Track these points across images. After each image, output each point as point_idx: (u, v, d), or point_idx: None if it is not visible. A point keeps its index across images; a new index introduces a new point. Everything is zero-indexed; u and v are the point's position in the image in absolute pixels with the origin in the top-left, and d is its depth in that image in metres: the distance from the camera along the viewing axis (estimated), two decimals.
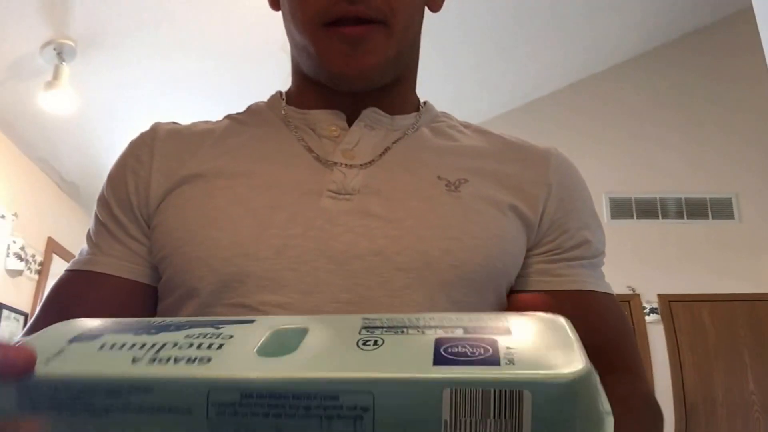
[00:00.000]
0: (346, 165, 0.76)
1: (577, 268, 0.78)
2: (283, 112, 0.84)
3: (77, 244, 3.89)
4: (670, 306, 5.56)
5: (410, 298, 0.68)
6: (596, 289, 0.78)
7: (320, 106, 0.81)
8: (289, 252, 0.70)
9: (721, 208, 5.85)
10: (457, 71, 5.26)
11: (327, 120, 0.80)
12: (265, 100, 0.89)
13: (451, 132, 0.84)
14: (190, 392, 0.39)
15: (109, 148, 4.54)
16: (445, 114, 0.89)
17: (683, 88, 6.23)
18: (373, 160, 0.77)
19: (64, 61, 3.68)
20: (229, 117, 0.87)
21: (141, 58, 3.97)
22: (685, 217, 5.86)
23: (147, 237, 0.78)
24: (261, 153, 0.79)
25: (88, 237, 0.82)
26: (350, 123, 0.80)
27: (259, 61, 4.13)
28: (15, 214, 4.25)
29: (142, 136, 0.83)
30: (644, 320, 5.55)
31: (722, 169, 5.95)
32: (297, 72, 0.84)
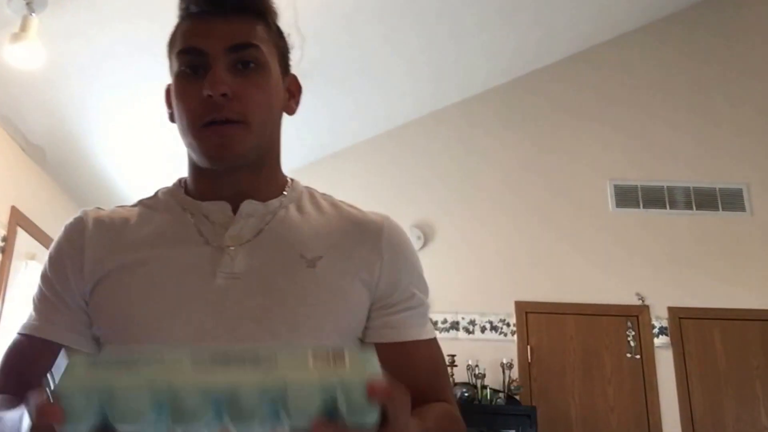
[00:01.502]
0: (233, 249, 1.02)
1: (407, 318, 1.06)
2: (181, 200, 1.10)
3: (44, 215, 3.57)
4: (680, 324, 5.46)
5: None
6: (419, 338, 1.07)
7: (209, 195, 1.07)
8: (194, 325, 0.96)
9: (732, 200, 5.76)
10: (456, 37, 5.11)
11: (218, 210, 1.06)
12: (170, 185, 1.15)
13: (309, 209, 1.10)
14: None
15: (80, 109, 4.36)
16: (308, 189, 1.15)
17: (693, 67, 6.12)
18: (250, 241, 1.04)
19: (33, 11, 3.52)
20: (141, 203, 1.13)
21: (118, 12, 3.80)
22: (694, 208, 5.76)
23: (85, 312, 1.03)
24: (168, 240, 1.05)
25: (35, 304, 1.07)
26: (234, 211, 1.06)
27: None
28: None
29: (74, 225, 1.08)
30: (653, 344, 5.44)
31: (733, 158, 5.88)
32: (191, 164, 1.10)
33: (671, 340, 5.42)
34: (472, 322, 5.47)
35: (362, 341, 1.05)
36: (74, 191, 4.96)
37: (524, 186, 5.85)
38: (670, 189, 5.80)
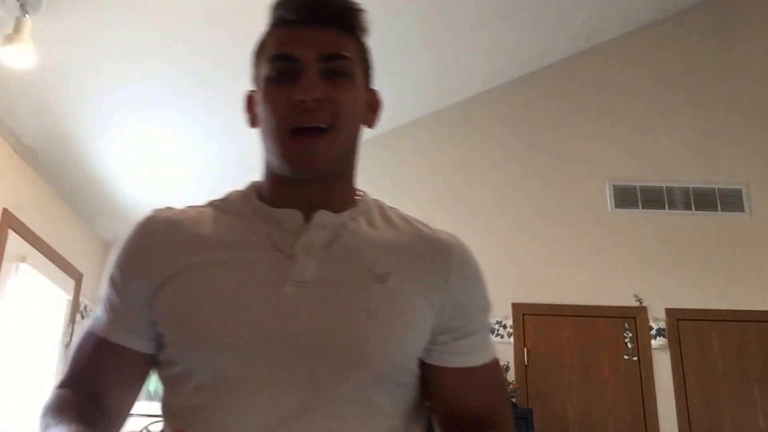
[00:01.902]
0: (303, 257, 1.03)
1: (471, 344, 1.09)
2: (253, 205, 1.11)
3: (35, 217, 3.51)
4: (678, 326, 5.47)
5: (345, 367, 0.98)
6: (484, 362, 1.11)
7: (283, 202, 1.08)
8: (260, 330, 0.97)
9: (731, 200, 5.76)
10: (454, 39, 5.10)
11: (289, 218, 1.07)
12: (242, 188, 1.17)
13: (380, 223, 1.12)
14: None
15: (72, 111, 4.36)
16: (377, 202, 1.17)
17: (691, 67, 6.12)
18: (321, 251, 1.04)
19: (27, 13, 3.50)
20: (211, 204, 1.14)
21: (112, 14, 3.77)
22: (693, 208, 5.77)
23: (150, 312, 1.04)
24: (238, 244, 1.06)
25: (102, 302, 1.08)
26: (306, 219, 1.07)
27: (244, 18, 3.90)
28: None
29: (144, 224, 1.09)
30: (650, 345, 5.44)
31: (732, 158, 5.89)
32: (267, 171, 1.12)
33: (669, 341, 5.42)
34: None
35: (422, 360, 1.07)
36: (67, 193, 4.93)
37: (522, 187, 5.84)
38: (669, 189, 5.80)
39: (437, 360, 1.07)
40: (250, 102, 1.15)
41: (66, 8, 3.61)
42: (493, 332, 5.45)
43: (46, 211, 4.73)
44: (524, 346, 5.43)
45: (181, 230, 1.08)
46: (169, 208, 1.13)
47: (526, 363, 5.37)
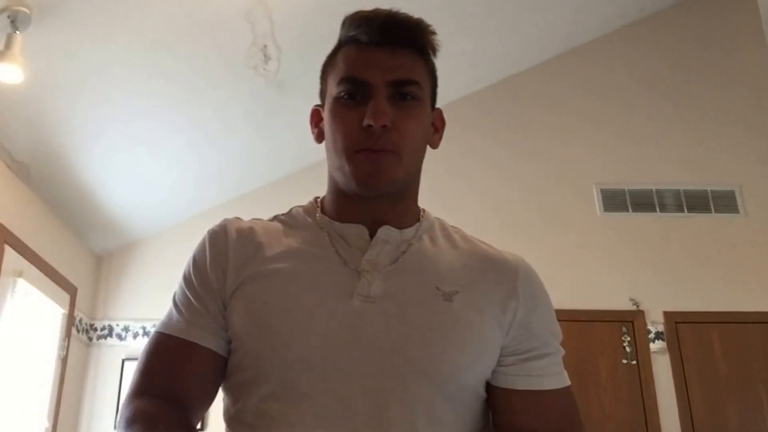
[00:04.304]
0: (369, 272, 1.07)
1: (542, 367, 1.10)
2: (318, 220, 1.16)
3: (30, 232, 3.63)
4: (677, 328, 5.48)
5: (412, 382, 1.01)
6: (554, 387, 1.11)
7: (347, 218, 1.13)
8: (330, 342, 1.01)
9: (725, 201, 5.82)
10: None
11: (355, 234, 1.12)
12: (305, 204, 1.22)
13: (442, 242, 1.16)
14: None
15: (65, 126, 4.46)
16: (439, 220, 1.23)
17: (679, 67, 6.16)
18: (387, 267, 1.09)
19: (17, 29, 3.57)
20: (277, 219, 1.20)
21: (101, 30, 3.87)
22: (685, 210, 5.82)
23: (223, 316, 1.09)
24: (307, 255, 1.10)
25: (177, 305, 1.13)
26: (370, 235, 1.12)
27: (228, 30, 4.05)
28: None
29: (219, 231, 1.15)
30: (649, 349, 5.47)
31: (724, 159, 5.91)
32: (333, 187, 1.17)
33: (668, 344, 5.43)
34: None
35: (490, 383, 1.09)
36: (60, 207, 5.02)
37: (508, 192, 5.86)
38: (659, 192, 5.85)
39: (504, 382, 1.08)
40: (314, 117, 1.21)
41: (54, 24, 3.69)
42: None
43: (39, 226, 4.84)
44: None
45: (253, 239, 1.13)
46: (238, 219, 1.19)
47: None
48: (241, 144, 5.29)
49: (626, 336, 5.45)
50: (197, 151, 5.15)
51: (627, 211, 5.83)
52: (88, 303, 5.57)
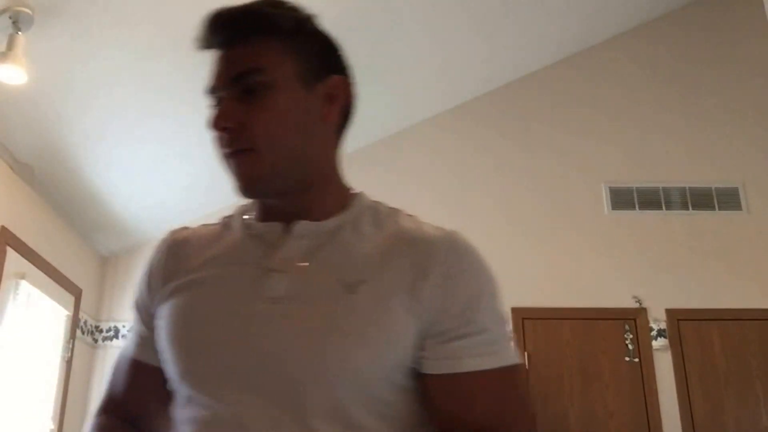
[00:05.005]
0: (279, 272, 1.01)
1: (463, 348, 0.97)
2: (244, 221, 1.12)
3: (33, 234, 3.63)
4: (679, 326, 5.52)
5: (310, 388, 0.94)
6: (477, 369, 0.97)
7: (265, 216, 1.09)
8: (224, 351, 0.98)
9: (728, 199, 5.84)
10: (446, 44, 5.17)
11: (269, 231, 1.07)
12: (245, 203, 1.16)
13: (367, 229, 1.07)
14: None
15: (68, 127, 4.46)
16: (374, 205, 1.13)
17: (686, 66, 6.20)
18: (299, 266, 1.02)
19: (20, 30, 3.57)
20: (222, 220, 1.16)
21: (104, 30, 3.86)
22: (690, 207, 5.85)
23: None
24: (227, 260, 1.07)
25: (132, 327, 1.16)
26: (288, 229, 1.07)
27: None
28: None
29: (158, 246, 1.16)
30: (651, 346, 5.49)
31: (728, 157, 5.95)
32: None
33: (670, 342, 5.47)
34: None
35: (419, 371, 0.99)
36: (63, 209, 5.03)
37: (518, 191, 5.93)
38: (666, 190, 5.88)
39: (426, 368, 0.98)
40: None
41: (57, 24, 3.70)
42: None
43: (43, 227, 4.84)
44: (524, 350, 5.50)
45: (184, 251, 1.11)
46: (183, 228, 1.17)
47: (526, 368, 5.45)
48: None
49: (629, 334, 5.49)
50: (206, 151, 5.08)
51: (634, 209, 5.87)
52: (93, 304, 5.58)
